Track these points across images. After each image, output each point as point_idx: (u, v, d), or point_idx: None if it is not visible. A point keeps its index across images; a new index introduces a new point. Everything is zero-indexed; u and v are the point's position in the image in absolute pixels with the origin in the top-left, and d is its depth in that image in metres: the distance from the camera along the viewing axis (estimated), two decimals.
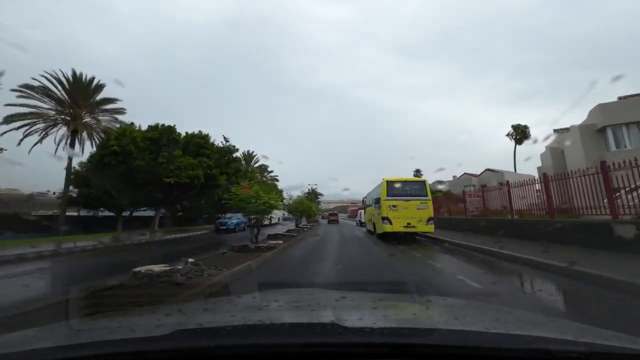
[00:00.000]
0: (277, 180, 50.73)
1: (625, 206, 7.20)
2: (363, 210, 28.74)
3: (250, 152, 48.51)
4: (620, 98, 16.65)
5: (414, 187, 13.19)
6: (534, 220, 9.93)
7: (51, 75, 22.15)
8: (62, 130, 23.69)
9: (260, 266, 7.21)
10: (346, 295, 1.77)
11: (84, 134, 24.50)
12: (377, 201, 14.38)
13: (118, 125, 23.23)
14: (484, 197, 13.92)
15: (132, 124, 19.69)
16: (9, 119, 21.10)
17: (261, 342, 0.92)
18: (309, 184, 56.71)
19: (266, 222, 32.20)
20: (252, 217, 9.61)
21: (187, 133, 21.48)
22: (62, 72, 22.76)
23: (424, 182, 13.25)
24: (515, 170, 39.20)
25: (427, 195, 13.00)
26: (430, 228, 12.56)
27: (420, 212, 12.68)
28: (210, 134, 21.88)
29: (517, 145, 44.71)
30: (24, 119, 21.59)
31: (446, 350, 0.87)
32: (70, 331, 1.36)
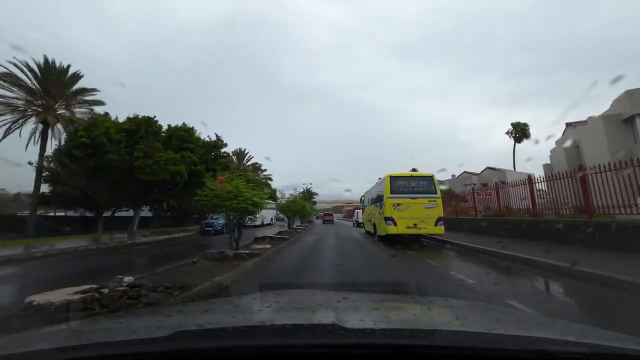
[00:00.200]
0: (270, 179, 49.09)
1: None
2: (360, 210, 27.29)
3: (243, 149, 46.63)
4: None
5: (420, 184, 11.62)
6: (567, 221, 8.41)
7: (21, 62, 20.21)
8: (37, 122, 21.75)
9: (236, 281, 5.54)
10: (347, 296, 1.71)
11: (59, 127, 22.59)
12: (379, 199, 12.80)
13: None
14: (499, 195, 12.40)
15: (107, 114, 17.77)
16: None
17: (262, 343, 0.91)
18: (303, 183, 54.90)
19: (257, 222, 31.15)
20: (233, 217, 7.94)
21: (169, 126, 19.68)
22: (33, 60, 20.83)
23: (431, 177, 11.68)
24: (515, 169, 38.08)
25: (435, 192, 11.45)
26: (439, 230, 11.01)
27: (428, 211, 11.12)
28: (195, 127, 20.13)
29: (517, 144, 43.90)
30: None
31: (447, 351, 0.86)
32: (70, 332, 1.32)
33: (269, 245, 10.09)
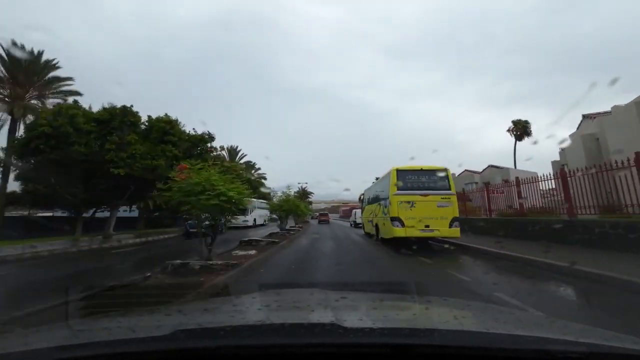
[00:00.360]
0: (264, 178, 47.28)
1: None
2: (359, 210, 25.67)
3: (235, 146, 44.78)
4: None
5: (432, 178, 10.01)
6: (617, 222, 6.84)
7: None
8: (3, 113, 19.78)
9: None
10: (346, 296, 1.74)
11: (32, 119, 20.63)
12: (383, 197, 11.17)
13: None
14: (520, 193, 10.82)
15: (76, 102, 15.92)
16: None
17: (261, 343, 0.90)
18: (298, 183, 52.78)
19: (249, 223, 29.37)
20: (204, 218, 6.24)
21: (150, 117, 17.87)
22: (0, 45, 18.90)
23: (445, 170, 10.07)
24: (515, 167, 36.76)
25: (450, 189, 9.86)
26: (455, 232, 9.42)
27: (441, 210, 9.52)
28: (179, 119, 18.36)
29: (518, 142, 42.87)
30: None
31: (446, 350, 0.85)
32: (70, 331, 1.30)
33: (253, 252, 8.41)
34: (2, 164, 18.51)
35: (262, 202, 31.31)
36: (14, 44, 19.06)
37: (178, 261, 5.53)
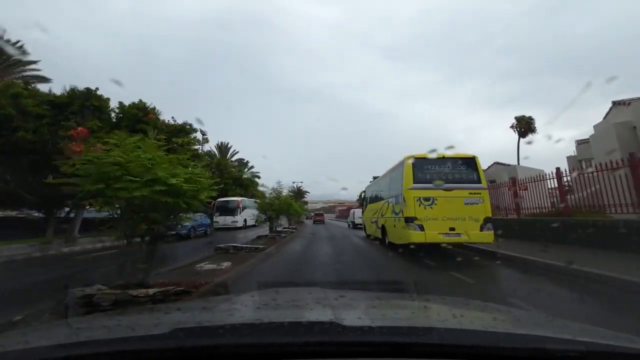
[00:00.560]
0: (258, 176, 44.94)
1: None
2: (358, 210, 23.64)
3: (226, 143, 42.46)
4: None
5: (457, 169, 7.93)
6: None
7: None
8: None
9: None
10: (345, 294, 1.72)
11: None
12: (393, 193, 9.08)
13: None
14: (562, 189, 8.77)
15: (28, 83, 13.66)
16: None
17: (260, 341, 0.89)
18: (293, 182, 50.34)
19: (239, 224, 27.04)
20: (134, 220, 4.05)
21: (121, 103, 15.62)
22: None
23: (473, 158, 7.99)
24: (519, 164, 34.99)
25: (480, 181, 7.80)
26: (487, 237, 7.36)
27: (470, 209, 7.47)
28: (155, 106, 16.14)
29: (521, 138, 41.26)
30: None
31: (444, 349, 0.85)
32: (69, 330, 1.29)
33: (226, 264, 6.23)
34: None
35: (254, 202, 29.21)
36: None
37: (81, 289, 3.36)
